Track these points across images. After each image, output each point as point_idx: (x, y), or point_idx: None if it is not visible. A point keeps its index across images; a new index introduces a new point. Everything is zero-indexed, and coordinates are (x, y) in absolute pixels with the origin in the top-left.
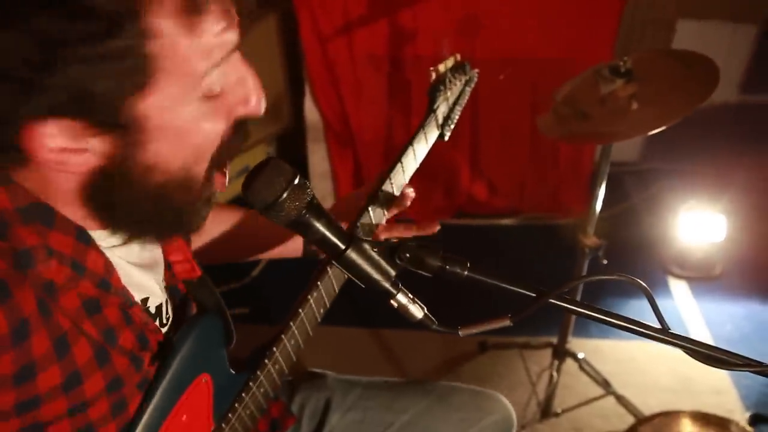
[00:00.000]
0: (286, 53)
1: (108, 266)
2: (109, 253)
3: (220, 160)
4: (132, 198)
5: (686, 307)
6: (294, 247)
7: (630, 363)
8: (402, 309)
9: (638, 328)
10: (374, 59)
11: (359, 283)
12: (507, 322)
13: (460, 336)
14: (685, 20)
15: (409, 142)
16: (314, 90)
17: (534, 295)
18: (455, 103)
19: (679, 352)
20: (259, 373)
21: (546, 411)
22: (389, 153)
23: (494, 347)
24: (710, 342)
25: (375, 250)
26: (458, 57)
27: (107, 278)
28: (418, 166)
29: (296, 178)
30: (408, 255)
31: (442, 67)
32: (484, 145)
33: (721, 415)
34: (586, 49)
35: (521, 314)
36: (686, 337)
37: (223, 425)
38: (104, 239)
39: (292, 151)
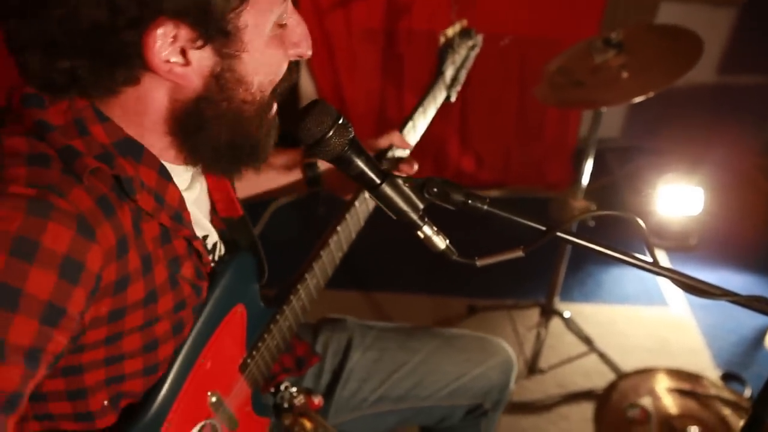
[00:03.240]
0: None
1: (181, 201)
2: None
3: (277, 90)
4: (219, 116)
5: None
6: (297, 184)
7: (611, 326)
8: (427, 240)
9: (632, 260)
10: (370, 33)
11: (391, 214)
12: (520, 253)
13: (477, 266)
14: (667, 2)
15: (419, 102)
16: (310, 62)
17: (544, 228)
18: (461, 66)
19: (656, 317)
20: (285, 307)
21: (532, 368)
22: (381, 125)
23: (483, 310)
24: (687, 306)
25: (406, 185)
26: (465, 22)
27: (180, 212)
28: (427, 125)
29: (341, 118)
30: (435, 189)
31: (450, 32)
32: (473, 119)
33: (695, 372)
34: (572, 28)
35: (533, 245)
36: (672, 269)
37: (254, 353)
38: (176, 177)
39: (286, 123)
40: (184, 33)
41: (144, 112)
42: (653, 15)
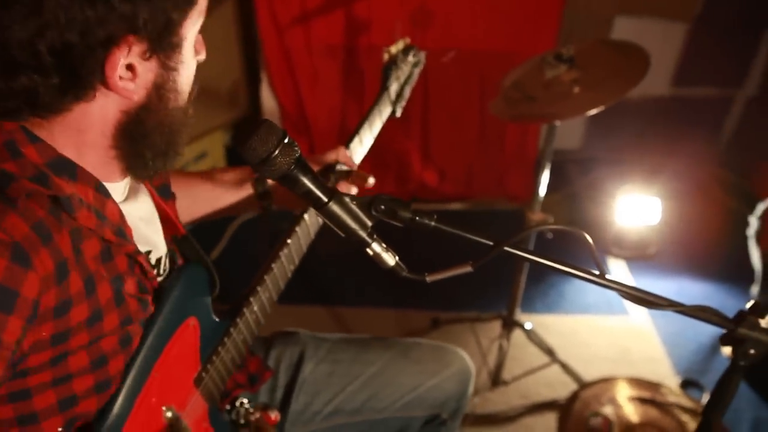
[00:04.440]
0: (243, 41)
1: (121, 216)
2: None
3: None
4: (158, 124)
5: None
6: (248, 200)
7: (573, 336)
8: (376, 257)
9: (581, 273)
10: (330, 48)
11: (339, 232)
12: (468, 268)
13: (427, 282)
14: (622, 17)
15: (364, 117)
16: (271, 78)
17: (491, 243)
18: (405, 83)
19: (617, 326)
20: (238, 320)
21: (496, 380)
22: (343, 140)
23: (446, 323)
24: (647, 315)
25: (354, 202)
26: (408, 40)
27: (122, 227)
28: (373, 139)
29: (286, 137)
30: (383, 207)
31: (393, 49)
32: (435, 133)
33: (655, 381)
34: (530, 43)
35: (481, 260)
36: (620, 282)
37: (208, 366)
38: (114, 192)
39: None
40: (137, 48)
41: (88, 127)
42: (609, 29)
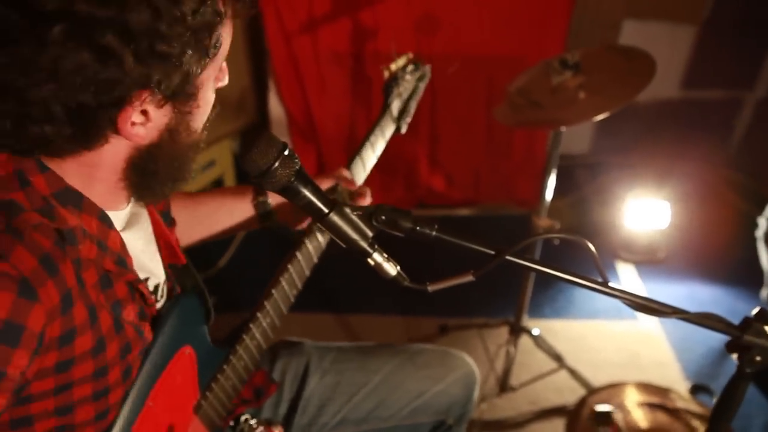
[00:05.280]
0: (251, 49)
1: (123, 246)
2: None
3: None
4: (170, 160)
5: (633, 289)
6: (250, 220)
7: (581, 341)
8: (377, 267)
9: (583, 281)
10: (337, 56)
11: (341, 243)
12: (470, 277)
13: (429, 291)
14: (630, 20)
15: (366, 137)
16: (279, 86)
17: (493, 252)
18: (410, 98)
19: (626, 331)
20: (238, 347)
21: (504, 386)
22: (351, 147)
23: (454, 329)
24: (656, 319)
25: (355, 213)
26: (410, 55)
27: (123, 256)
28: (377, 158)
29: (286, 149)
30: (384, 217)
31: (393, 66)
32: (442, 139)
33: (664, 386)
34: (538, 47)
35: (483, 269)
36: (623, 290)
37: (208, 394)
38: (116, 220)
39: None
40: (151, 98)
41: (99, 164)
42: (617, 33)
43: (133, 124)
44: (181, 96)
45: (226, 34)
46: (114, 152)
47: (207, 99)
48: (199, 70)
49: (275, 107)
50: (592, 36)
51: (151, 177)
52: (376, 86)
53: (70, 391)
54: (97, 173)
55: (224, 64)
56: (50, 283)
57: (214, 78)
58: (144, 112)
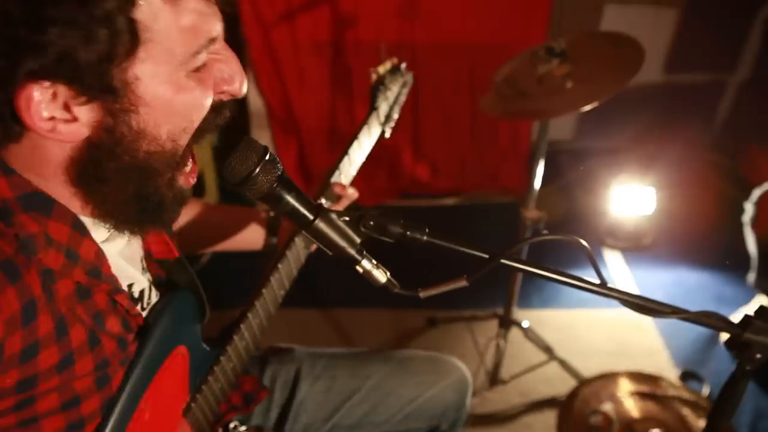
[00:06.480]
0: (228, 39)
1: (99, 254)
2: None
3: (200, 134)
4: (123, 169)
5: (620, 275)
6: (253, 239)
7: (570, 330)
8: (366, 274)
9: (580, 283)
10: (316, 45)
11: (327, 251)
12: (464, 282)
13: (420, 297)
14: (611, 4)
15: (354, 136)
16: (257, 77)
17: (487, 256)
18: (394, 103)
19: (614, 319)
20: (228, 348)
21: (494, 379)
22: (333, 139)
23: (443, 322)
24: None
25: (341, 219)
26: (395, 60)
27: (98, 266)
28: (365, 158)
29: (267, 154)
30: (372, 223)
31: (381, 69)
32: (426, 128)
33: (654, 374)
34: (520, 34)
35: (476, 274)
36: (622, 290)
37: (197, 396)
38: (95, 230)
39: (236, 138)
40: (63, 90)
41: (42, 162)
42: (599, 17)
43: (53, 118)
44: (101, 89)
45: (165, 21)
46: (47, 148)
47: (166, 97)
48: (119, 61)
49: (254, 99)
50: (573, 21)
51: (105, 190)
52: (356, 76)
53: (34, 404)
54: (45, 172)
55: (224, 68)
56: (10, 290)
57: (195, 78)
58: (67, 107)
